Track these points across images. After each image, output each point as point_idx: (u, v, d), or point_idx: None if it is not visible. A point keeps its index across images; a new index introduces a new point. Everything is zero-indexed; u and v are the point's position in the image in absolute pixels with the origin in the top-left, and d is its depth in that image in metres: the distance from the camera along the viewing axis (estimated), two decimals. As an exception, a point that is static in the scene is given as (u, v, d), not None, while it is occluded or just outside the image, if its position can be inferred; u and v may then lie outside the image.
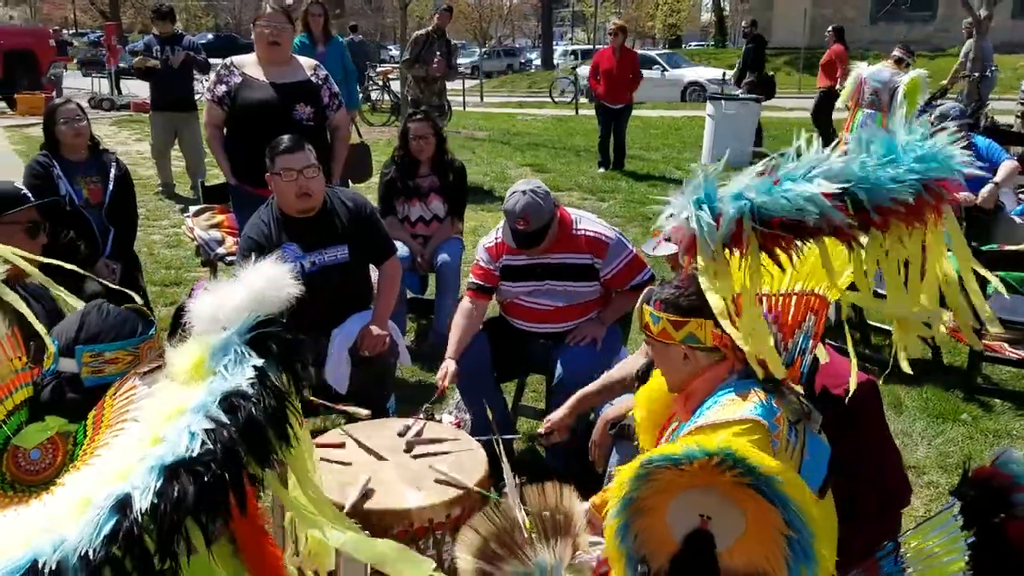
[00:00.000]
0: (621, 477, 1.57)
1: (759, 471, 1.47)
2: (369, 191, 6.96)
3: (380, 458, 2.32)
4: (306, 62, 4.25)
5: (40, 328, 1.63)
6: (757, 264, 1.62)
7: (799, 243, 1.64)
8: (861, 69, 6.18)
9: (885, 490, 2.05)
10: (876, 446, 2.05)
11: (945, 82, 12.54)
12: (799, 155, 1.66)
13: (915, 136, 1.67)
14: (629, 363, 2.75)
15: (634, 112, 10.51)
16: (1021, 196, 5.20)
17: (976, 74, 9.94)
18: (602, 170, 9.83)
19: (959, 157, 1.67)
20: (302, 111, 4.02)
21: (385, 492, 2.14)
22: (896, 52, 8.24)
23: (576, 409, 2.72)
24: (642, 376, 2.57)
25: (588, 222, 3.24)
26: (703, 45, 41.85)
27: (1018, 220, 4.73)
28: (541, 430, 2.76)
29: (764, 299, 1.82)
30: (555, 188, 8.58)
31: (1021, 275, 3.84)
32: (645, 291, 1.90)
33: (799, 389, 1.79)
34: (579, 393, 2.74)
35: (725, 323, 1.64)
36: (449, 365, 3.09)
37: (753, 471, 1.47)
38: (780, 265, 1.64)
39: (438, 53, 8.20)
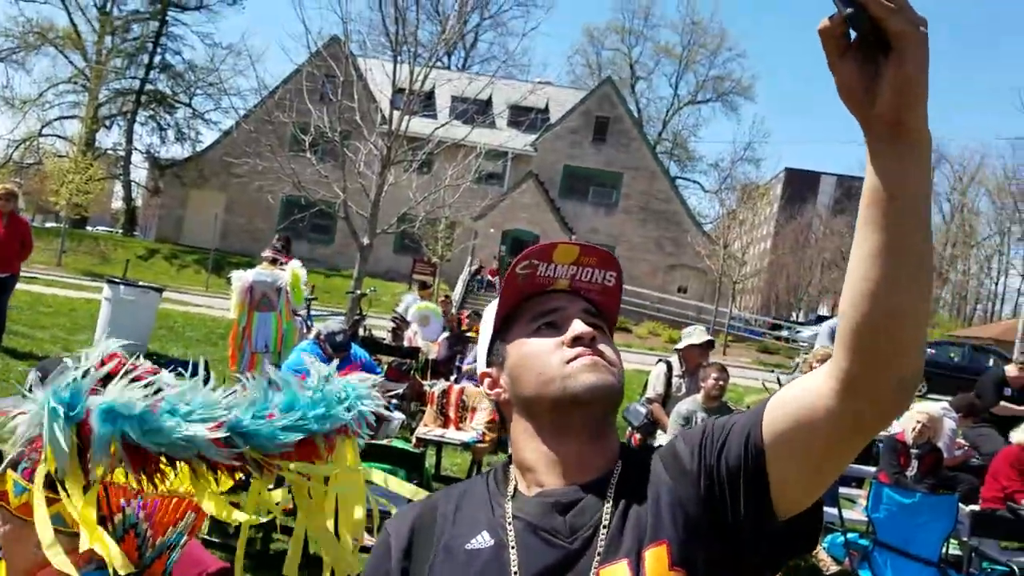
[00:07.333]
0: None
1: None
2: None
3: None
4: None
5: None
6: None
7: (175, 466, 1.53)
8: (244, 274, 6.63)
9: None
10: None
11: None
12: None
13: (313, 390, 1.73)
14: None
15: (26, 287, 9.51)
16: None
17: (358, 292, 11.39)
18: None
19: (364, 403, 1.82)
20: None
21: None
22: (266, 253, 7.92)
23: None
24: None
25: None
26: (112, 231, 40.69)
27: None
28: None
29: (142, 495, 1.78)
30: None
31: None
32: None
33: None
34: None
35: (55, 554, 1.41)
36: None
37: None
38: (154, 484, 1.52)
39: None
